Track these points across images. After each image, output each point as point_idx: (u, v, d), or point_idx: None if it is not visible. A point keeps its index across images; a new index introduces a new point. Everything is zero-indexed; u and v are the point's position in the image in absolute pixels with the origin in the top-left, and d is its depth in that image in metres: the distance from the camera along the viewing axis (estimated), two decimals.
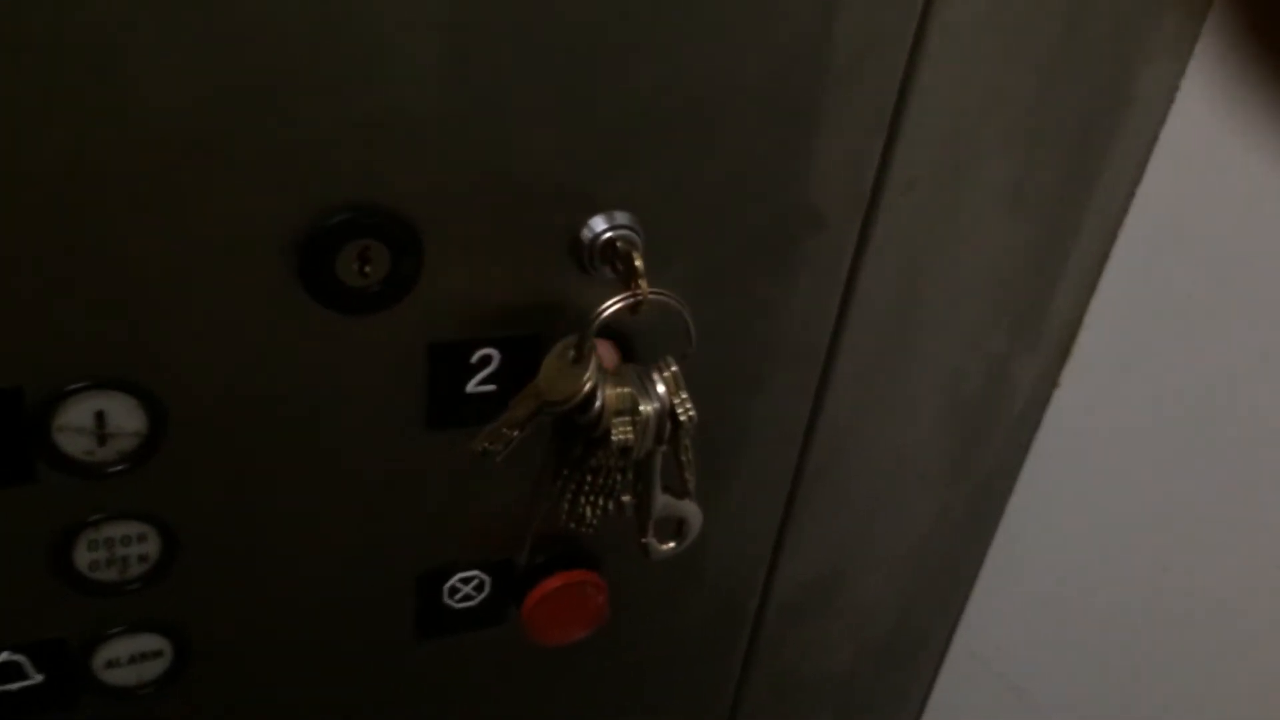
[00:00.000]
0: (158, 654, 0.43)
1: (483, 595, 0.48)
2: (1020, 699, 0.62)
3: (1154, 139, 0.48)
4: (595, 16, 0.35)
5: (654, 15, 0.36)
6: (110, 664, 0.43)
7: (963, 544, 0.60)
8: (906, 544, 0.58)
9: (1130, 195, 0.49)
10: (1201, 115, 0.46)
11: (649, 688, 0.57)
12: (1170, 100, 0.47)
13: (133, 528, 0.40)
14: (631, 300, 0.38)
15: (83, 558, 0.40)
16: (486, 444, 0.40)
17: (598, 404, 0.40)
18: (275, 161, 0.34)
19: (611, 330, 0.42)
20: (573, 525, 0.43)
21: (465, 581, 0.47)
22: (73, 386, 0.36)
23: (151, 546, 0.40)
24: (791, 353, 0.47)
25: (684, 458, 0.43)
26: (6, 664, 0.41)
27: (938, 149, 0.43)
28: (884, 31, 0.39)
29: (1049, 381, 0.54)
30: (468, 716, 0.52)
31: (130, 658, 0.43)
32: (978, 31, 0.41)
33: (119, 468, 0.38)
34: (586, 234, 0.39)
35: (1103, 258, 0.51)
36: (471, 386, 0.41)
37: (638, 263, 0.39)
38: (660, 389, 0.41)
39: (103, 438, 0.37)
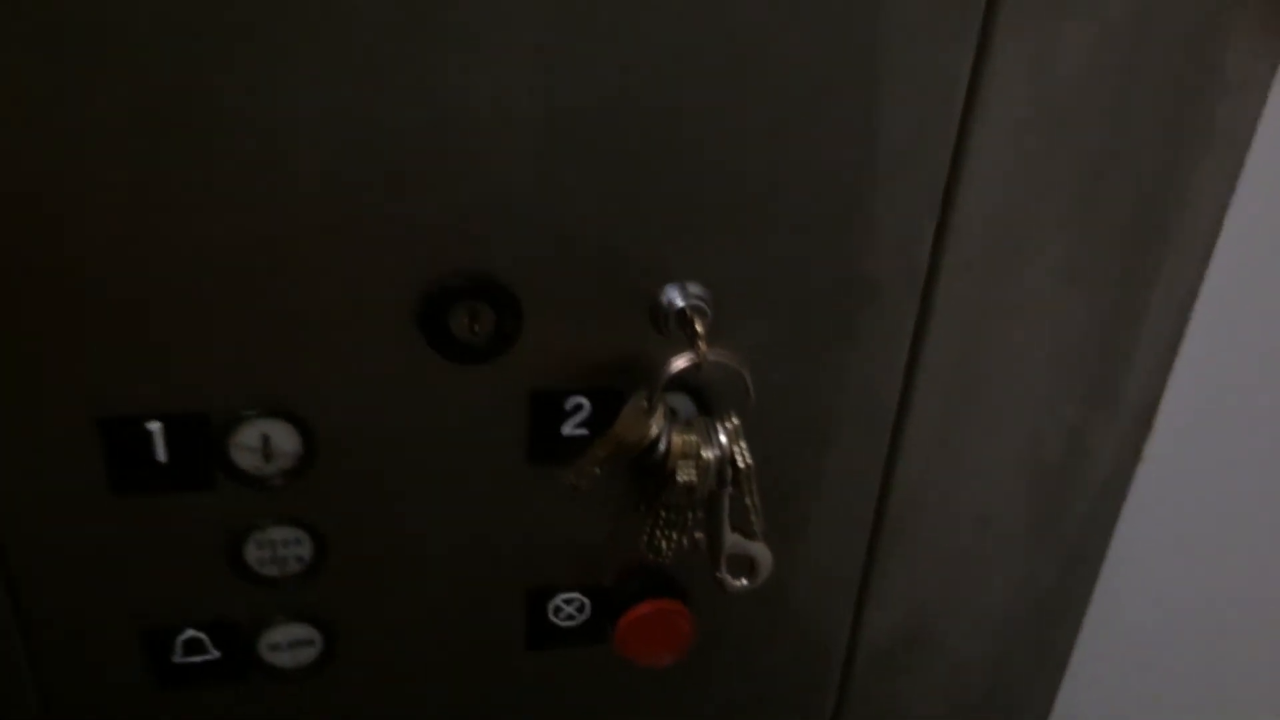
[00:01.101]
0: (310, 643, 0.52)
1: (584, 616, 0.55)
2: None
3: (1220, 220, 0.51)
4: (673, 110, 0.42)
5: (724, 111, 0.43)
6: (273, 647, 0.52)
7: (1057, 609, 0.62)
8: (995, 604, 0.61)
9: (1202, 272, 0.52)
10: (1266, 197, 0.49)
11: None
12: (1232, 187, 0.50)
13: (291, 533, 0.49)
14: (694, 361, 0.45)
15: (252, 555, 0.49)
16: (574, 478, 0.47)
17: (663, 447, 0.46)
18: (403, 236, 0.43)
19: (688, 385, 0.48)
20: (650, 556, 0.49)
21: (568, 602, 0.54)
22: (246, 413, 0.45)
23: (306, 549, 0.50)
24: (859, 413, 0.52)
25: (749, 501, 0.48)
26: (191, 640, 0.51)
27: (991, 231, 0.48)
28: (929, 130, 0.45)
29: (1132, 451, 0.57)
30: None
31: (289, 643, 0.52)
32: (1020, 128, 0.46)
33: (280, 482, 0.47)
34: (663, 301, 0.46)
35: (1178, 331, 0.53)
36: (567, 430, 0.49)
37: (700, 328, 0.45)
38: (723, 438, 0.47)
39: (268, 456, 0.47)
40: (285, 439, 0.46)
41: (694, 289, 0.46)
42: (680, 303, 0.46)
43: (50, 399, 0.43)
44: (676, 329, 0.46)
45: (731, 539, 0.50)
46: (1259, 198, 0.49)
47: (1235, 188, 0.50)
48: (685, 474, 0.46)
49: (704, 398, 0.49)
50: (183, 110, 0.38)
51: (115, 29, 0.37)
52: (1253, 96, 0.48)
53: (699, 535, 0.50)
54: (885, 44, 0.42)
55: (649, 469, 0.47)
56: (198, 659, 0.51)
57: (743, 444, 0.47)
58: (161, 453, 0.45)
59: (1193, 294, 0.52)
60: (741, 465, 0.47)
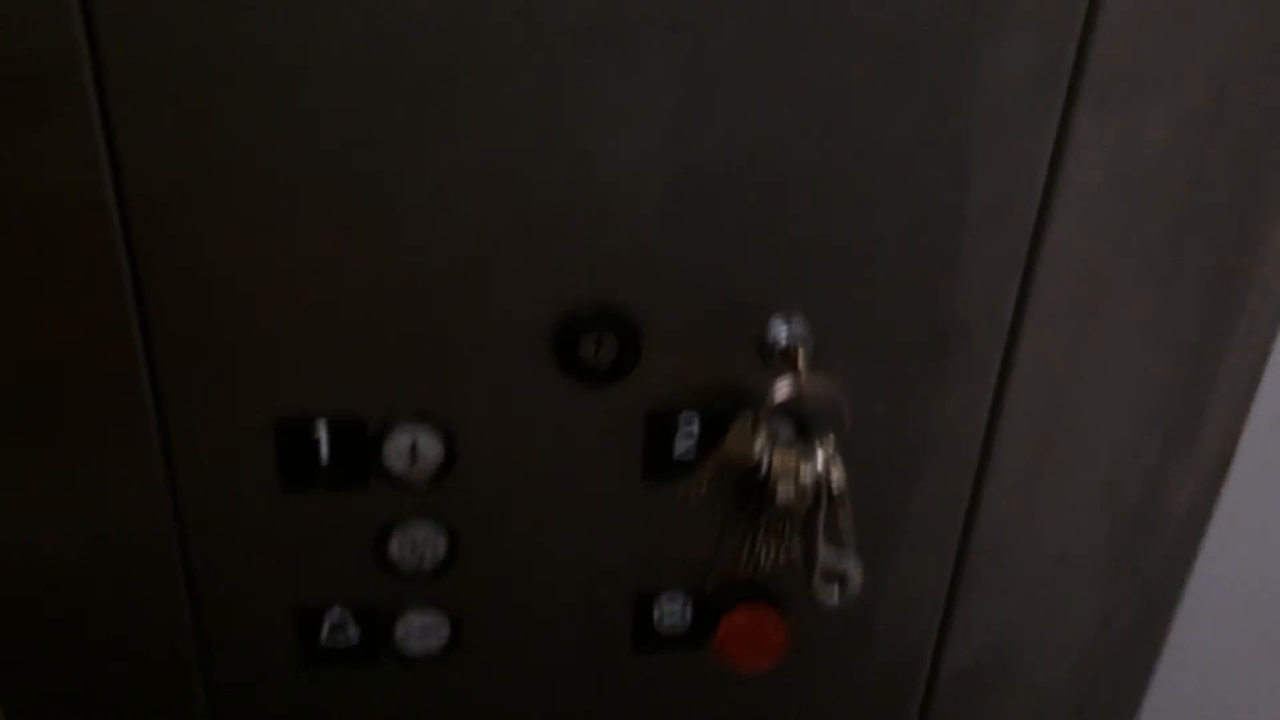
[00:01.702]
0: (438, 631, 0.58)
1: (685, 622, 0.60)
2: None
3: None
4: (784, 173, 0.48)
5: (829, 173, 0.48)
6: (405, 634, 0.58)
7: (1135, 642, 0.65)
8: (1075, 635, 0.64)
9: (1276, 328, 0.55)
10: None
11: None
12: None
13: (429, 529, 0.55)
14: (797, 389, 0.50)
15: (394, 548, 0.55)
16: (684, 492, 0.53)
17: (765, 467, 0.51)
18: (544, 273, 0.49)
19: (789, 411, 0.53)
20: (750, 568, 0.54)
21: (672, 608, 0.59)
22: (398, 422, 0.52)
23: (441, 546, 0.56)
24: (946, 447, 0.56)
25: (842, 520, 0.53)
26: (336, 624, 0.57)
27: (1073, 287, 0.52)
28: (1013, 193, 0.49)
29: (1210, 491, 0.60)
30: None
31: (420, 630, 0.58)
32: (1101, 192, 0.50)
33: (423, 484, 0.53)
34: (769, 335, 0.52)
35: (1254, 381, 0.57)
36: (678, 449, 0.54)
37: (801, 362, 0.50)
38: (819, 459, 0.52)
39: (414, 459, 0.53)
40: (430, 445, 0.53)
41: (797, 325, 0.52)
42: (784, 337, 0.51)
43: (238, 403, 0.50)
44: (780, 361, 0.52)
45: (825, 554, 0.54)
46: None
47: None
48: (785, 491, 0.51)
49: (803, 423, 0.54)
50: (370, 165, 0.45)
51: (324, 106, 0.44)
52: None
53: (795, 551, 0.54)
54: (975, 122, 0.47)
55: (751, 486, 0.52)
56: (340, 642, 0.58)
57: (839, 464, 0.52)
58: (325, 454, 0.52)
59: (1268, 345, 0.56)
60: (836, 484, 0.51)
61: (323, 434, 0.51)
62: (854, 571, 0.55)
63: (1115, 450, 0.58)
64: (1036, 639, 0.64)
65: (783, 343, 0.51)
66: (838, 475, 0.52)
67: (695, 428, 0.54)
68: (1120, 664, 0.66)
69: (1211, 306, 0.54)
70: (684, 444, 0.54)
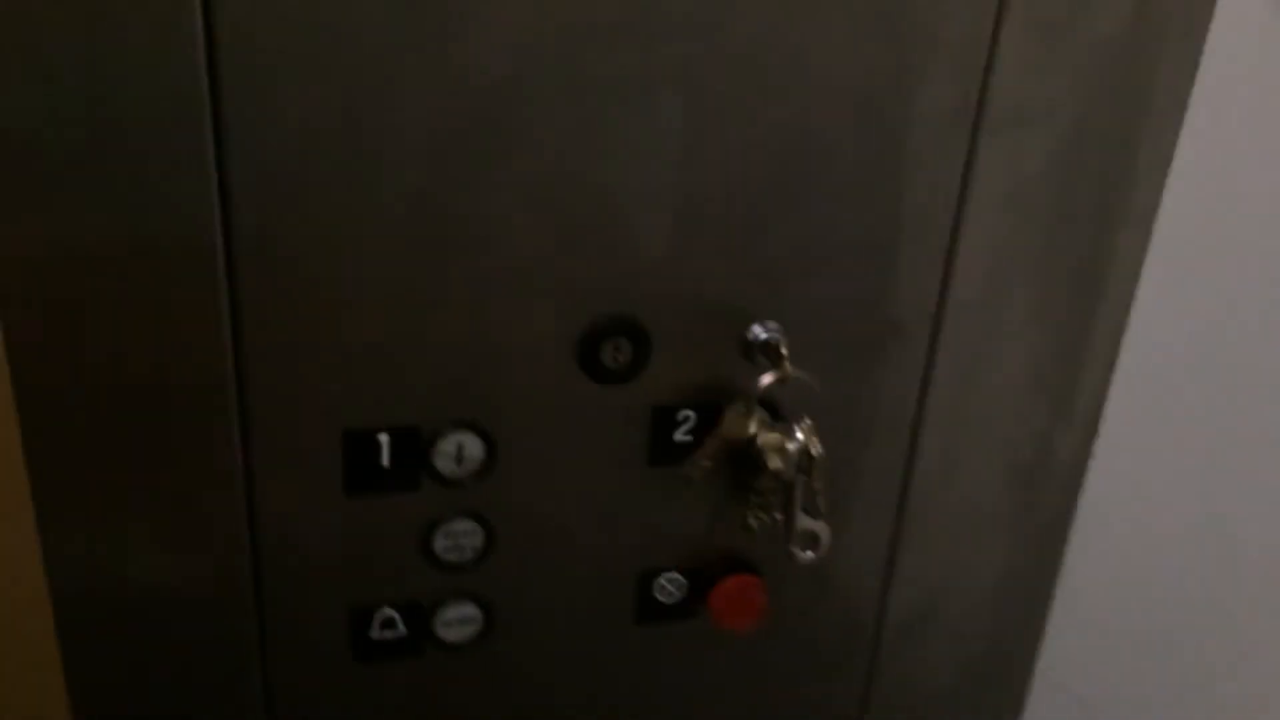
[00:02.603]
0: (474, 620, 0.66)
1: (681, 593, 0.70)
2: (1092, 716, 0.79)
3: (1137, 278, 0.70)
4: (762, 202, 0.60)
5: (796, 198, 0.60)
6: (446, 624, 0.66)
7: (1035, 581, 0.79)
8: (989, 578, 0.77)
9: (1126, 315, 0.71)
10: (1168, 264, 0.68)
11: (787, 695, 0.77)
12: (1144, 254, 0.69)
13: (469, 525, 0.63)
14: (779, 377, 0.61)
15: (439, 543, 0.63)
16: (688, 471, 0.63)
17: (759, 441, 0.62)
18: (570, 289, 0.59)
19: (772, 398, 0.65)
20: (743, 532, 0.65)
21: (670, 582, 0.69)
22: (447, 427, 0.60)
23: (479, 540, 0.64)
24: (887, 422, 0.69)
25: (817, 486, 0.65)
26: (386, 618, 0.64)
27: (979, 284, 0.66)
28: (934, 208, 0.63)
29: (1086, 445, 0.74)
30: (663, 694, 0.73)
31: (459, 620, 0.66)
32: (997, 206, 0.64)
33: (466, 483, 0.62)
34: (751, 336, 0.63)
35: (1114, 354, 0.72)
36: (677, 436, 0.65)
37: (784, 351, 0.62)
38: (799, 434, 0.63)
39: (460, 460, 0.61)
40: (474, 447, 0.61)
41: (772, 325, 0.63)
42: (764, 336, 0.63)
43: (308, 413, 0.58)
44: (763, 355, 0.63)
45: (803, 518, 0.66)
46: (1164, 264, 0.69)
47: (1147, 255, 0.69)
48: (775, 462, 0.62)
49: (776, 409, 0.65)
50: (434, 203, 0.55)
51: (403, 153, 0.53)
52: (1156, 182, 0.67)
53: (778, 515, 0.65)
54: (907, 151, 0.61)
55: (745, 461, 0.63)
56: (390, 635, 0.65)
57: (815, 438, 0.63)
58: (386, 459, 0.60)
59: (1123, 324, 0.71)
60: (815, 454, 0.63)
61: (385, 441, 0.59)
62: (825, 532, 0.67)
63: (1013, 416, 0.72)
64: (959, 587, 0.77)
65: (763, 339, 0.63)
66: (816, 445, 0.63)
67: (691, 418, 0.64)
68: (1023, 604, 0.80)
69: (1079, 295, 0.69)
70: (682, 432, 0.65)
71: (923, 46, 0.59)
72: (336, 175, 0.53)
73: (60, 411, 0.54)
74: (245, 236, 0.53)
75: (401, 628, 0.65)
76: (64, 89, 0.48)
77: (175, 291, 0.53)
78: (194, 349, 0.55)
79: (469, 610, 0.66)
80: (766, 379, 0.61)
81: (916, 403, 0.69)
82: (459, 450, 0.61)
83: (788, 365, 0.62)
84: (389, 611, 0.64)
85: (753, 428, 0.63)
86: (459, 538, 0.64)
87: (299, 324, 0.55)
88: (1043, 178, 0.64)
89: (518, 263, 0.57)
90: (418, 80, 0.52)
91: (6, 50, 0.47)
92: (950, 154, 0.62)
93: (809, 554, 0.67)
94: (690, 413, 0.64)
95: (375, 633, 0.65)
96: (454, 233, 0.56)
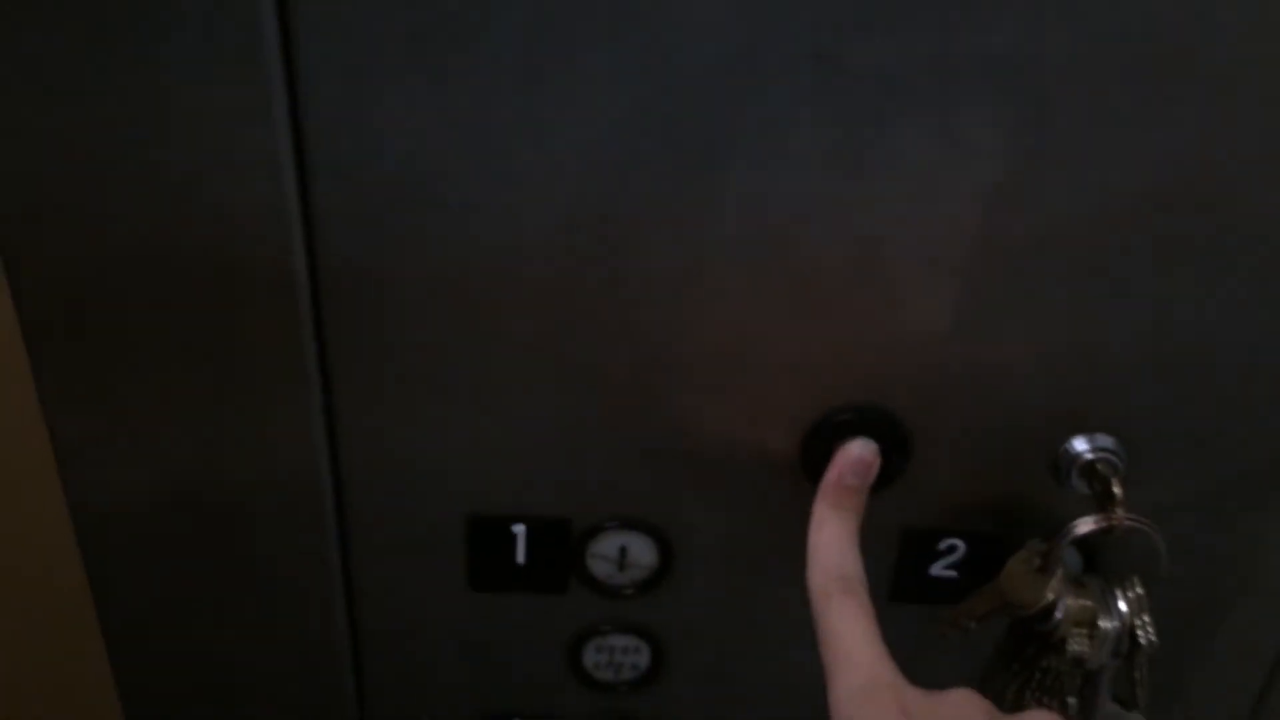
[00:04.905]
0: None
1: None
2: None
3: None
4: (1100, 259, 0.38)
5: (1146, 268, 0.38)
6: None
7: None
8: None
9: None
10: None
11: None
12: None
13: (631, 641, 0.47)
14: (1106, 524, 0.40)
15: (590, 658, 0.48)
16: (945, 625, 0.44)
17: (1058, 615, 0.42)
18: (802, 370, 0.40)
19: (1089, 545, 0.44)
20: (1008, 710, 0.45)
21: None
22: (607, 524, 0.44)
23: (643, 658, 0.48)
24: (1270, 585, 0.46)
25: (1138, 674, 0.43)
26: None
27: None
28: None
29: None
30: None
31: None
32: None
33: (629, 592, 0.45)
34: (1067, 451, 0.42)
35: None
36: (935, 570, 0.45)
37: (1116, 489, 0.40)
38: (1123, 608, 0.42)
39: (622, 565, 0.45)
40: (643, 551, 0.44)
41: (1104, 440, 0.42)
42: (1088, 455, 0.41)
43: (427, 494, 0.43)
44: (1079, 481, 0.42)
45: (1110, 709, 0.45)
46: None
47: None
48: (1078, 645, 0.42)
49: (1092, 558, 0.44)
50: (596, 248, 0.37)
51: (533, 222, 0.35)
52: None
53: (1071, 700, 0.45)
54: None
55: (1032, 632, 0.43)
56: None
57: (1146, 617, 0.42)
58: (521, 554, 0.44)
59: None
60: (1144, 642, 0.42)
61: (521, 532, 0.44)
62: None
63: None
64: None
65: (1086, 460, 0.41)
66: (1145, 628, 0.42)
67: (959, 549, 0.44)
68: None
69: None
70: (942, 566, 0.45)
71: None
72: (451, 202, 0.36)
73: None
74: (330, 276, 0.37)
75: None
76: None
77: (265, 338, 0.39)
78: (287, 410, 0.40)
79: None
80: (1085, 526, 0.40)
81: None
82: (621, 553, 0.44)
83: (1120, 509, 0.40)
84: None
85: (1050, 594, 0.42)
86: (616, 653, 0.48)
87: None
88: None
89: (719, 331, 0.39)
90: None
91: None
92: None
93: None
94: (958, 542, 0.44)
95: None
96: (622, 289, 0.38)
